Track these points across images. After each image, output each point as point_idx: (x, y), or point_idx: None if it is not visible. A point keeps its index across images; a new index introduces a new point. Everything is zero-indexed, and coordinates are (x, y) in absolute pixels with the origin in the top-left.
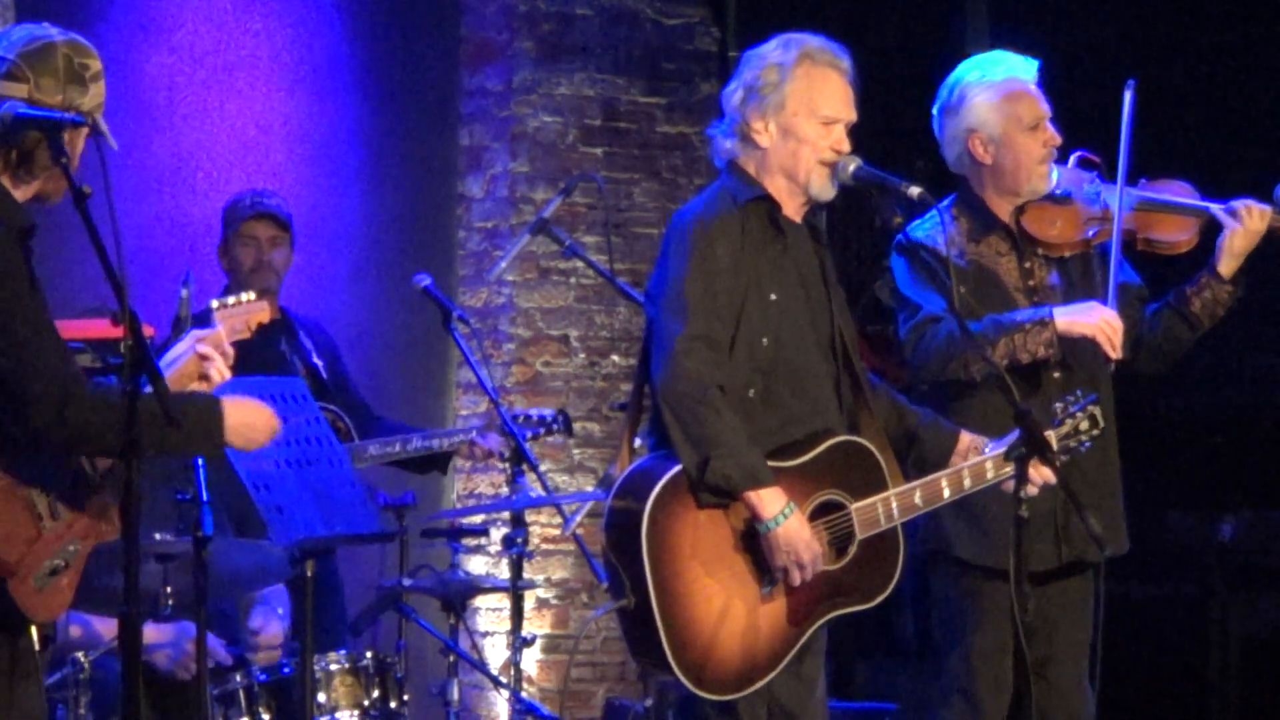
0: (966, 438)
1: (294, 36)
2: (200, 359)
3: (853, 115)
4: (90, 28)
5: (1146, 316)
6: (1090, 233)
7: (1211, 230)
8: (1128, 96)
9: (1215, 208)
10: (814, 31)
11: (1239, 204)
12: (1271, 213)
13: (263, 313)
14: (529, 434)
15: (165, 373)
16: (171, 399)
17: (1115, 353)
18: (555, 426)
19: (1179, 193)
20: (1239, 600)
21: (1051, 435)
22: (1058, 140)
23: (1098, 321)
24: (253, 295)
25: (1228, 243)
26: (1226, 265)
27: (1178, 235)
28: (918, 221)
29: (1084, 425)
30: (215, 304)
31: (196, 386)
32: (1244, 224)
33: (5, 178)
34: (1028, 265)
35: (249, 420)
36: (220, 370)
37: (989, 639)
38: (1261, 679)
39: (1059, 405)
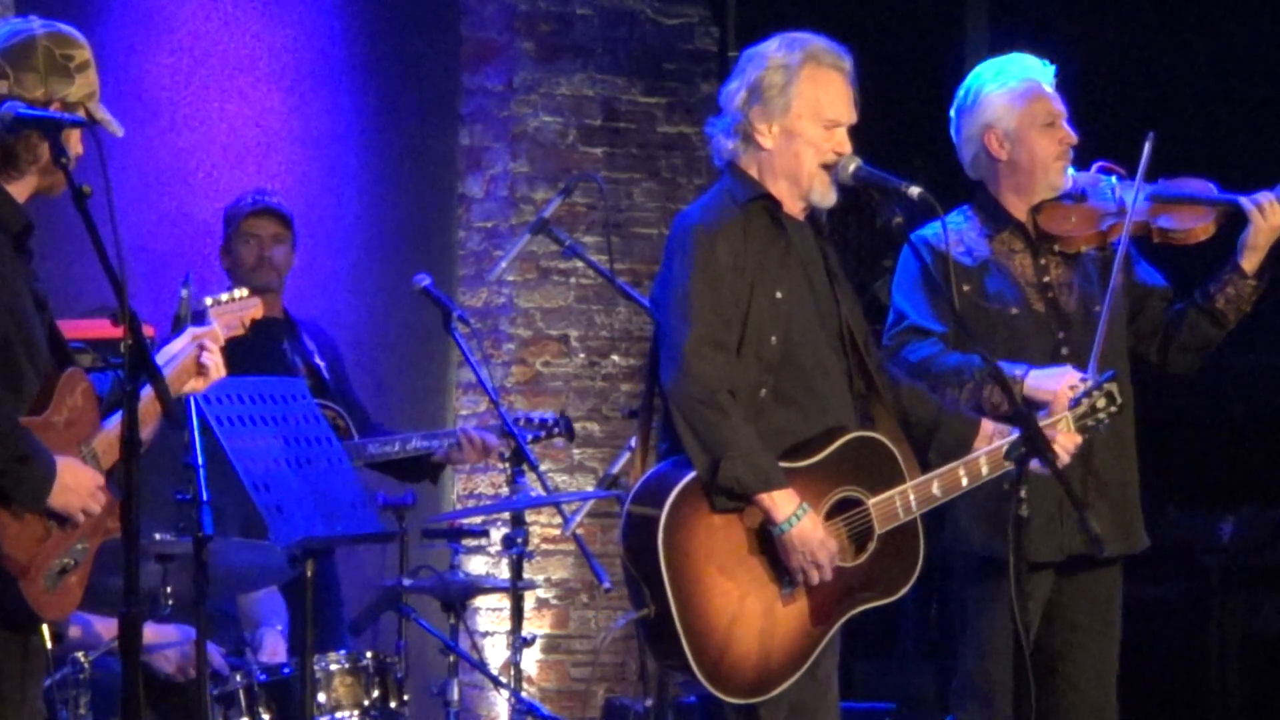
0: (989, 425)
1: (294, 36)
2: (199, 350)
3: (854, 117)
4: (91, 28)
5: (1171, 316)
6: (1104, 226)
7: (1232, 224)
8: (1146, 148)
9: (1242, 200)
10: (815, 31)
11: (1261, 197)
12: None
13: (256, 309)
14: (529, 436)
15: (164, 371)
16: (28, 443)
17: None
18: (556, 430)
19: (1198, 189)
20: (1239, 600)
21: (1069, 415)
22: (1073, 139)
23: (1062, 387)
24: (245, 292)
25: (1250, 237)
26: (1249, 260)
27: (1191, 223)
28: (931, 224)
29: (1101, 403)
30: (210, 301)
31: (193, 383)
32: (1267, 218)
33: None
34: (1043, 262)
35: (71, 484)
36: (217, 364)
37: (1002, 635)
38: (1261, 679)
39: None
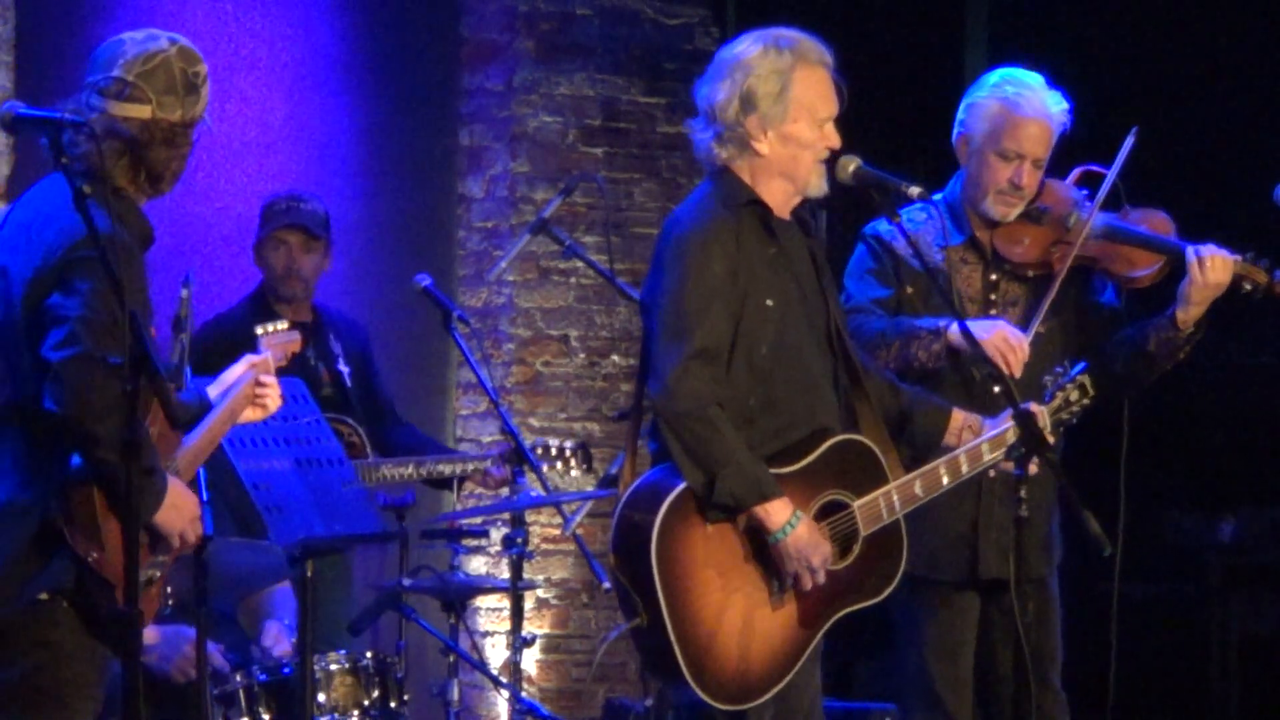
0: (959, 415)
1: (294, 36)
2: (258, 385)
3: (840, 107)
4: (91, 28)
5: (1111, 344)
6: (1053, 257)
7: (1177, 273)
8: (1127, 141)
9: (1190, 251)
10: (806, 30)
11: (1205, 251)
12: (1236, 262)
13: (295, 344)
14: (544, 465)
15: (226, 398)
16: (154, 456)
17: (1011, 371)
18: (574, 463)
19: (1155, 227)
20: (1239, 600)
21: (1045, 410)
22: (1027, 185)
23: (992, 339)
24: (286, 324)
25: (1186, 291)
26: (1184, 312)
27: (1137, 270)
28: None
29: (1074, 395)
30: (260, 330)
31: (249, 414)
32: (1205, 274)
33: (131, 189)
34: (993, 278)
35: (180, 504)
36: (275, 398)
37: (942, 638)
38: (1261, 679)
39: (1048, 379)
